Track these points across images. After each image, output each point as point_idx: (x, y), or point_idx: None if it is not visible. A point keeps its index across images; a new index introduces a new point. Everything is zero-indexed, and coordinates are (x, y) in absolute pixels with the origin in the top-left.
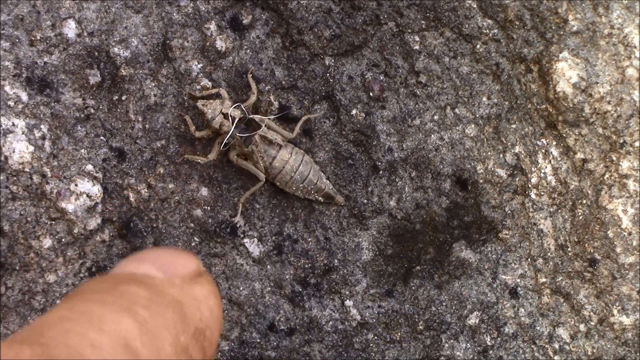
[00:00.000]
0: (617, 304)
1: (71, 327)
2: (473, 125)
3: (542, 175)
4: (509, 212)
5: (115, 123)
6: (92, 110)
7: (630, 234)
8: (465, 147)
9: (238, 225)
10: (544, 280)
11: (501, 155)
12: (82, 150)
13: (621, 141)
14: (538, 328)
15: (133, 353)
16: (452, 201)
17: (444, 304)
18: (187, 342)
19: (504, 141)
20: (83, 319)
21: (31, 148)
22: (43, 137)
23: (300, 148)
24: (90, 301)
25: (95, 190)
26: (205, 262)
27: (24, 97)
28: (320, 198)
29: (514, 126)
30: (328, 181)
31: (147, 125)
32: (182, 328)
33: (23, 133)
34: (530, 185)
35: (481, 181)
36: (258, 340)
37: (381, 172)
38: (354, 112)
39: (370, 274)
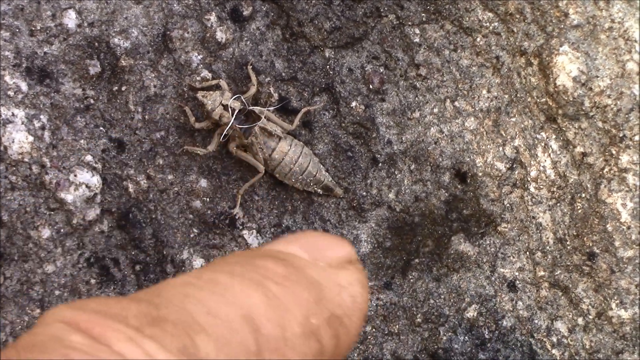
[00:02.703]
0: (615, 298)
1: (192, 292)
2: (472, 119)
3: (541, 168)
4: (507, 205)
5: (114, 114)
6: (92, 101)
7: (629, 227)
8: (465, 140)
9: (237, 217)
10: (542, 273)
11: (500, 149)
12: (82, 141)
13: (621, 135)
14: (536, 321)
15: (255, 326)
16: (451, 194)
17: (442, 296)
18: (318, 325)
19: (504, 134)
20: (207, 286)
21: (31, 138)
22: (42, 128)
23: (300, 140)
24: (220, 271)
25: (95, 180)
26: (204, 254)
27: (24, 87)
28: (319, 190)
29: (513, 119)
30: (327, 173)
31: (146, 116)
32: (315, 310)
33: (22, 123)
34: (529, 179)
35: (480, 174)
36: None
37: (380, 164)
38: (353, 104)
39: (369, 266)
